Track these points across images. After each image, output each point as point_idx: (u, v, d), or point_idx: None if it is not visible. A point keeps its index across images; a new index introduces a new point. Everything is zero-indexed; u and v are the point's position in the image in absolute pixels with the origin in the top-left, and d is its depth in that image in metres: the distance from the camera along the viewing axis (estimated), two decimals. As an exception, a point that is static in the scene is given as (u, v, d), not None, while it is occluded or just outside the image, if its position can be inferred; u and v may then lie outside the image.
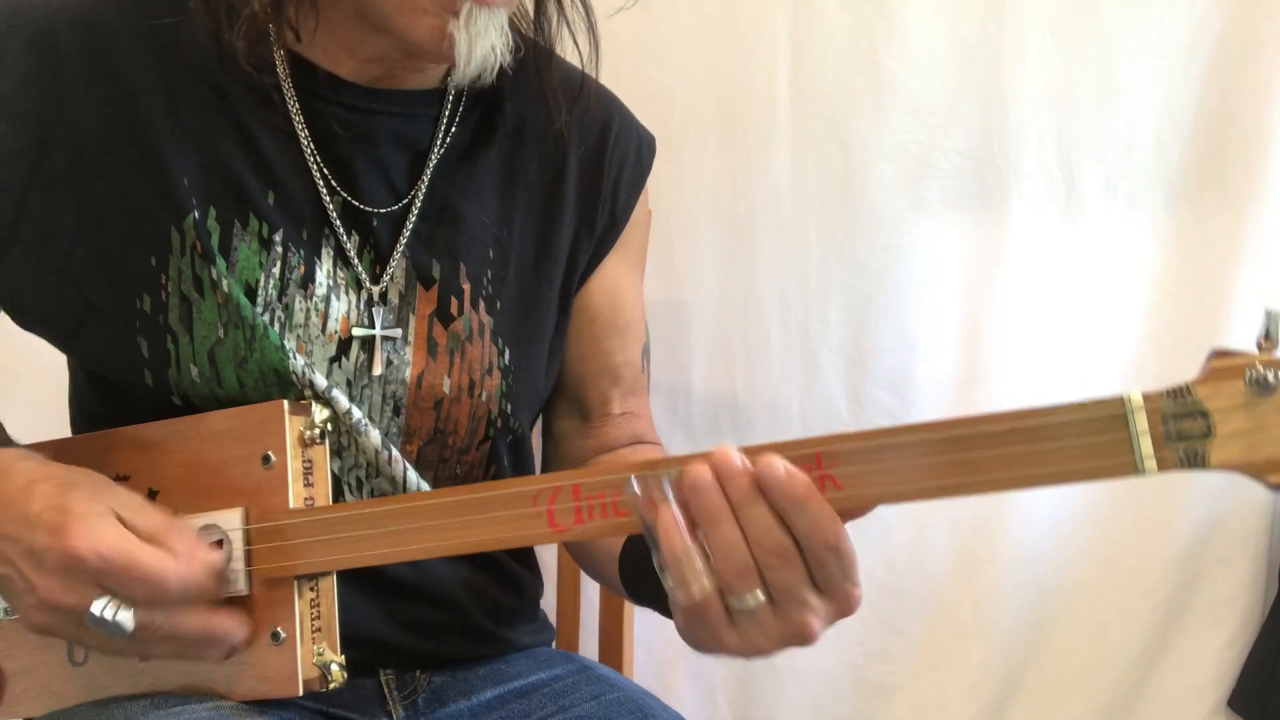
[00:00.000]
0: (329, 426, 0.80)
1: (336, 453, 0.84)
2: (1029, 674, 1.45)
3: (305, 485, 0.77)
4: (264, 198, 0.83)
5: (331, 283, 0.85)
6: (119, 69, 0.81)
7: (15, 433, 0.86)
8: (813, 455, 0.64)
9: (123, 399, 0.85)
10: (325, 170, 0.85)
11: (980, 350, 1.42)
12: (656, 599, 0.79)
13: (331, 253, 0.86)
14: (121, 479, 0.80)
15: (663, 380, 1.46)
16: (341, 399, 0.83)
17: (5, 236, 0.81)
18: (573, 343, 0.99)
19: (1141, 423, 0.59)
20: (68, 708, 0.81)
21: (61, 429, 0.92)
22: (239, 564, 0.76)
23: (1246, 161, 1.34)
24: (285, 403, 0.78)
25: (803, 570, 0.61)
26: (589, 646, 1.33)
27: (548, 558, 1.31)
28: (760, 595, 0.62)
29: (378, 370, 0.86)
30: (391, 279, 0.87)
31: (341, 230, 0.86)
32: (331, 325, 0.84)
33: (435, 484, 0.90)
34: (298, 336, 0.83)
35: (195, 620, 0.74)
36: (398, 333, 0.86)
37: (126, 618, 0.69)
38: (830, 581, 0.62)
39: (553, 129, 0.94)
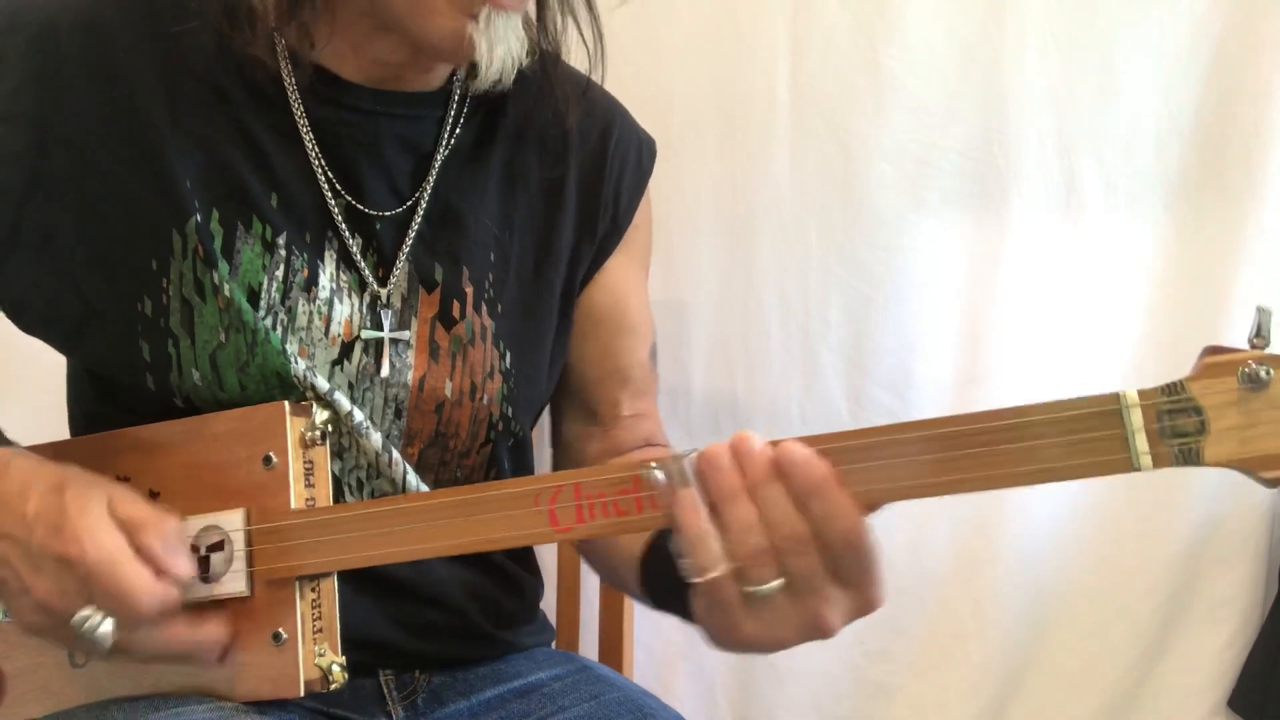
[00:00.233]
0: (330, 428, 0.80)
1: (337, 454, 0.84)
2: (1029, 674, 1.45)
3: (306, 486, 0.78)
4: (267, 200, 0.83)
5: (335, 286, 0.85)
6: (120, 70, 0.81)
7: (15, 434, 0.85)
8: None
9: (124, 400, 0.85)
10: (329, 173, 0.85)
11: (980, 350, 1.42)
12: (678, 602, 0.79)
13: (335, 255, 0.86)
14: (122, 480, 0.80)
15: (663, 380, 1.44)
16: (343, 401, 0.83)
17: (6, 239, 0.81)
18: (579, 345, 0.99)
19: (1136, 419, 0.60)
20: (67, 709, 0.81)
21: (61, 430, 0.92)
22: (240, 565, 0.76)
23: (1246, 161, 1.34)
24: (287, 404, 0.78)
25: (820, 559, 0.61)
26: (589, 646, 1.33)
27: (548, 558, 1.31)
28: (778, 582, 0.61)
29: (385, 372, 0.86)
30: (394, 282, 0.87)
31: (346, 233, 0.86)
32: (334, 328, 0.84)
33: (435, 487, 0.90)
34: (300, 339, 0.83)
35: (175, 634, 0.74)
36: (407, 335, 0.86)
37: (106, 633, 0.69)
38: (849, 575, 0.62)
39: (553, 132, 0.94)
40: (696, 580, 0.62)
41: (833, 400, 1.44)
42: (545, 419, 1.07)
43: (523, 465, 0.98)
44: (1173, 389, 0.60)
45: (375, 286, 0.86)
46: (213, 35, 0.81)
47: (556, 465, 1.04)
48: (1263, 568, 1.40)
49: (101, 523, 0.70)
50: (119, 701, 0.79)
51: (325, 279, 0.85)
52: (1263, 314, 0.59)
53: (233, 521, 0.77)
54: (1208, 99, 1.34)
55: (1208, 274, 1.36)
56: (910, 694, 1.47)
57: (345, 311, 0.85)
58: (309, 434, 0.78)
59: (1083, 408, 0.61)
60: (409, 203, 0.88)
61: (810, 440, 0.64)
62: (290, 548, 0.75)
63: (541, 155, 0.94)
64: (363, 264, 0.86)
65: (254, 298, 0.82)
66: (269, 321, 0.82)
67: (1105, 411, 0.60)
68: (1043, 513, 1.41)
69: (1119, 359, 1.39)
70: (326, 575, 0.77)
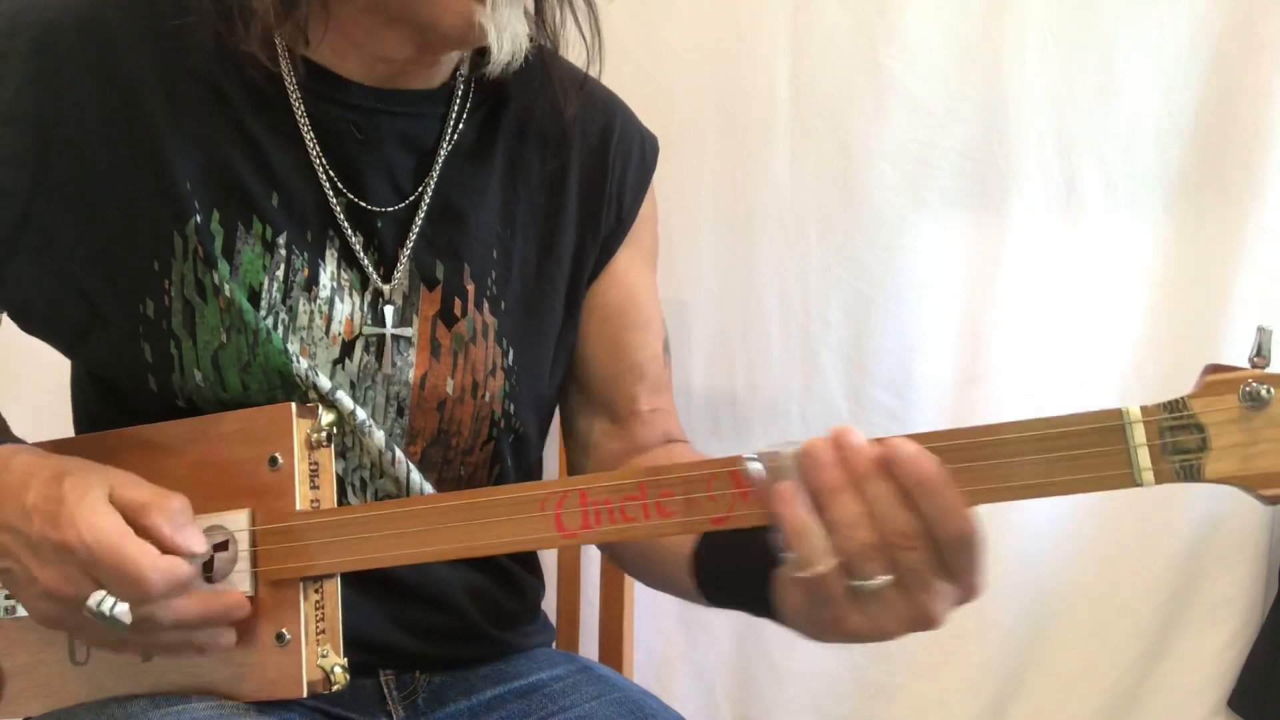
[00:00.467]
0: (335, 429, 0.80)
1: (340, 454, 0.84)
2: (1029, 674, 1.45)
3: (312, 488, 0.78)
4: (268, 200, 0.83)
5: (335, 285, 0.85)
6: (121, 72, 0.81)
7: (17, 433, 0.85)
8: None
9: (127, 402, 0.85)
10: (330, 171, 0.85)
11: (980, 350, 1.42)
12: (738, 597, 0.79)
13: (336, 254, 0.86)
14: None
15: (664, 379, 1.46)
16: (346, 400, 0.83)
17: (9, 241, 0.81)
18: (592, 342, 0.98)
19: (1139, 435, 0.61)
20: (67, 707, 0.82)
21: (62, 430, 0.92)
22: (244, 565, 0.76)
23: (1246, 162, 1.34)
24: (293, 405, 0.78)
25: (930, 554, 0.61)
26: (589, 646, 1.33)
27: (548, 559, 1.31)
28: (886, 577, 0.61)
29: (388, 369, 0.86)
30: (396, 280, 0.87)
31: (347, 231, 0.86)
32: (335, 327, 0.84)
33: (439, 485, 0.90)
34: (301, 339, 0.83)
35: (194, 604, 0.74)
36: (409, 331, 0.86)
37: (123, 611, 0.69)
38: (957, 569, 0.62)
39: (555, 128, 0.94)
40: (802, 575, 0.62)
41: (833, 400, 1.44)
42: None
43: (526, 463, 0.98)
44: (1174, 406, 0.61)
45: (378, 283, 0.86)
46: (212, 35, 0.81)
47: (574, 466, 1.04)
48: (1263, 568, 1.41)
49: (99, 506, 0.70)
50: (119, 699, 0.79)
51: (326, 278, 0.85)
52: (1263, 334, 0.60)
53: (238, 522, 0.77)
54: (1208, 99, 1.34)
55: (1208, 274, 1.36)
56: (910, 694, 1.47)
57: (346, 310, 0.85)
58: (315, 435, 0.78)
59: (1085, 423, 0.61)
60: (410, 200, 0.88)
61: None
62: (295, 549, 0.75)
63: (543, 151, 0.94)
64: (365, 261, 0.86)
65: (255, 298, 0.82)
66: (270, 321, 0.82)
67: (1108, 427, 0.61)
68: (1043, 513, 1.41)
69: (1119, 359, 1.39)
70: (330, 576, 0.77)
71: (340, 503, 0.82)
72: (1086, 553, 1.42)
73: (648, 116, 1.03)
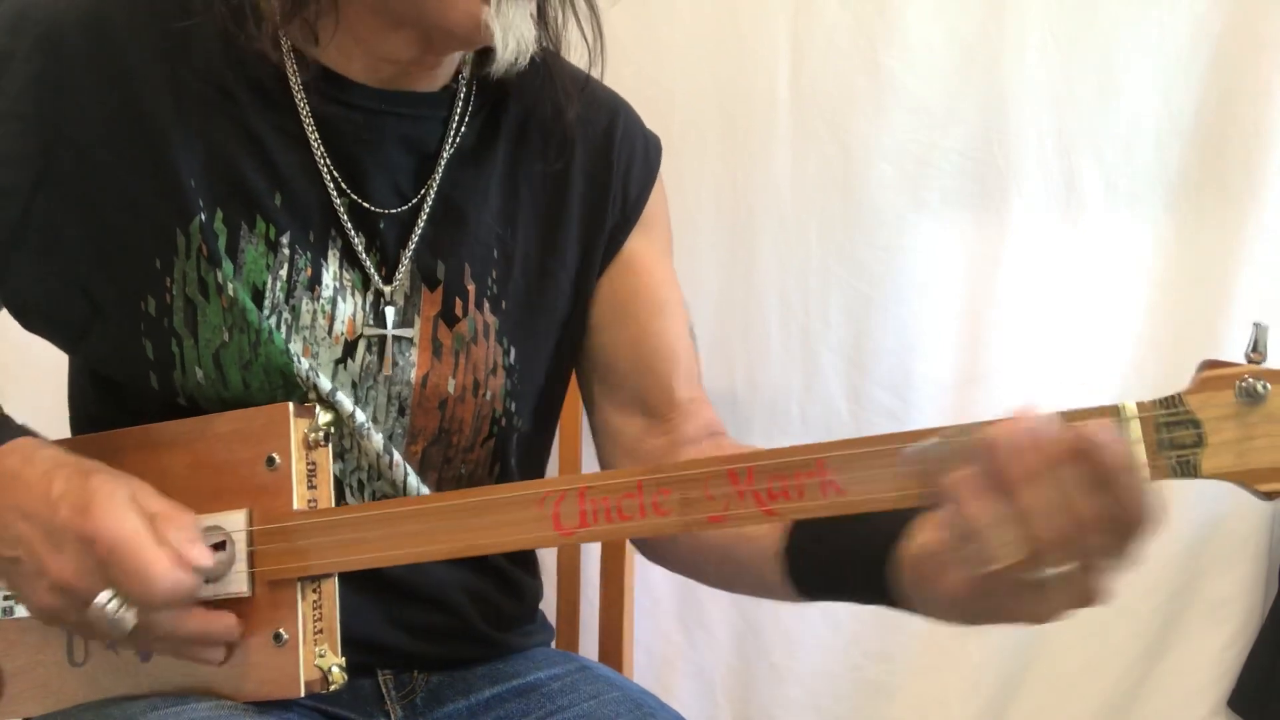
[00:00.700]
0: (333, 430, 0.80)
1: (339, 455, 0.85)
2: (1029, 674, 1.45)
3: (309, 488, 0.78)
4: (271, 199, 0.83)
5: (338, 285, 0.85)
6: (125, 70, 0.81)
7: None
8: (815, 461, 0.65)
9: (127, 401, 0.85)
10: (334, 171, 0.85)
11: (980, 350, 1.42)
12: (840, 589, 0.78)
13: (338, 254, 0.86)
14: None
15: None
16: (346, 402, 0.83)
17: (11, 238, 0.81)
18: (612, 334, 0.96)
19: (1136, 431, 0.61)
20: (66, 708, 0.82)
21: (61, 430, 0.92)
22: (242, 565, 0.76)
23: (1246, 162, 1.34)
24: (290, 405, 0.78)
25: (1116, 536, 0.58)
26: (589, 646, 1.34)
27: (548, 559, 1.31)
28: (1074, 564, 0.59)
29: (388, 370, 0.86)
30: (398, 281, 0.87)
31: (350, 231, 0.86)
32: (338, 327, 0.84)
33: (440, 484, 0.90)
34: (304, 338, 0.83)
35: (194, 621, 0.74)
36: (411, 332, 0.87)
37: (129, 615, 0.70)
38: (1132, 547, 0.59)
39: (556, 127, 0.94)
40: (988, 570, 0.59)
41: (833, 400, 1.44)
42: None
43: (528, 460, 0.97)
44: (1170, 402, 0.61)
45: (380, 283, 0.86)
46: (218, 34, 0.81)
47: (609, 467, 1.00)
48: (1263, 568, 1.40)
49: (127, 506, 0.71)
50: (118, 700, 0.79)
51: (328, 278, 0.85)
52: (1259, 329, 0.60)
53: (235, 522, 0.77)
54: (1208, 99, 1.34)
55: (1208, 274, 1.36)
56: (910, 694, 1.47)
57: (348, 310, 0.85)
58: (312, 435, 0.78)
59: (1082, 419, 0.61)
60: (412, 202, 0.88)
61: (816, 448, 0.64)
62: (292, 549, 0.75)
63: (544, 151, 0.94)
64: (367, 262, 0.86)
65: (258, 297, 0.82)
66: (273, 321, 0.82)
67: (1104, 423, 0.61)
68: (1043, 513, 1.41)
69: (1119, 359, 1.39)
70: (328, 576, 0.77)
71: (338, 504, 0.82)
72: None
73: (648, 117, 1.03)
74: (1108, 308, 1.39)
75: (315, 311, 0.84)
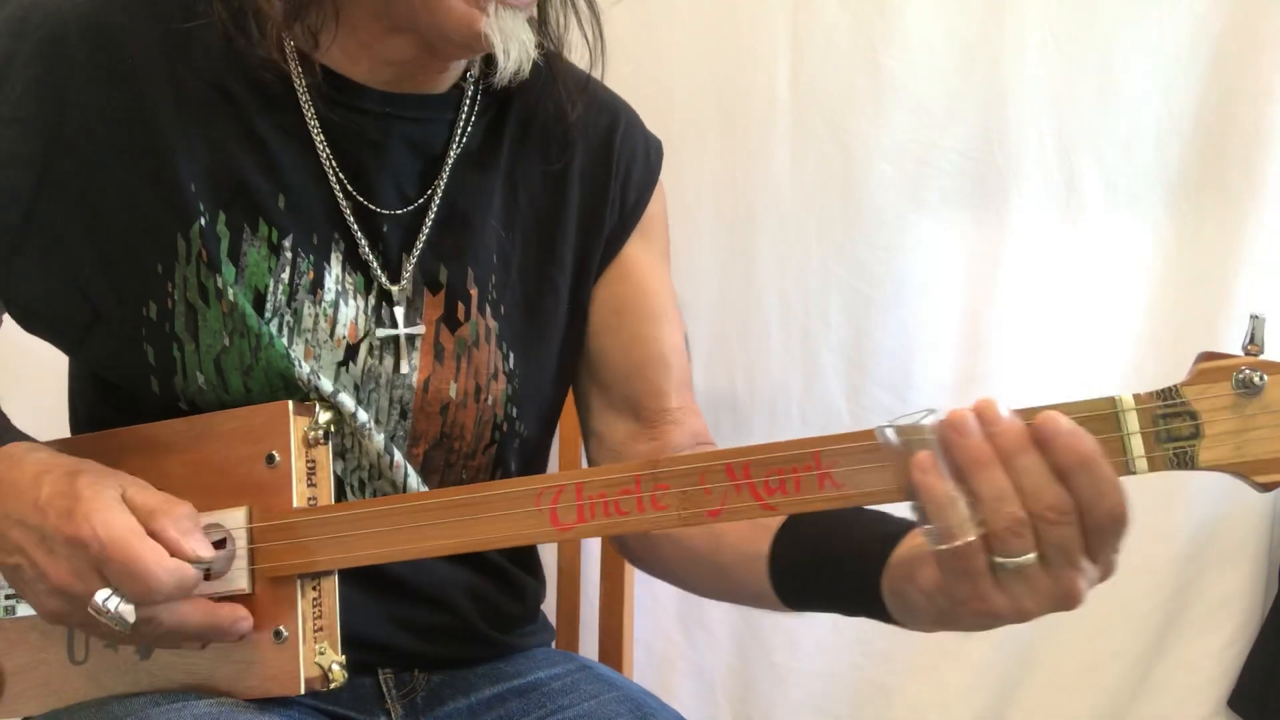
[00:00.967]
0: (333, 428, 0.80)
1: (340, 455, 0.84)
2: (1029, 674, 1.45)
3: (309, 485, 0.78)
4: (274, 202, 0.83)
5: (340, 288, 0.85)
6: (127, 73, 0.81)
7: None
8: (811, 455, 0.65)
9: (128, 404, 0.85)
10: (340, 173, 0.85)
11: (980, 350, 1.42)
12: (821, 597, 0.78)
13: (341, 257, 0.86)
14: None
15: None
16: (348, 402, 0.83)
17: (13, 241, 0.81)
18: (607, 338, 0.97)
19: (1133, 423, 0.61)
20: (67, 706, 0.82)
21: (61, 430, 0.92)
22: (242, 562, 0.76)
23: (1246, 161, 1.34)
24: (290, 403, 0.78)
25: (1080, 532, 0.59)
26: (589, 646, 1.34)
27: (548, 559, 1.31)
28: (1032, 555, 0.59)
29: (405, 369, 0.86)
30: (402, 284, 0.87)
31: (355, 232, 0.86)
32: (340, 330, 0.84)
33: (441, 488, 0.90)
34: (306, 341, 0.83)
35: (198, 612, 0.74)
36: (421, 329, 0.86)
37: (129, 610, 0.70)
38: (1103, 547, 0.60)
39: (556, 130, 0.94)
40: (943, 548, 0.60)
41: (833, 400, 1.44)
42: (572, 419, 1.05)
43: (530, 466, 0.97)
44: (1168, 394, 0.61)
45: (386, 284, 0.86)
46: (220, 36, 0.81)
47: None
48: (1263, 568, 1.40)
49: (113, 505, 0.71)
50: (119, 697, 0.79)
51: (331, 281, 0.85)
52: (1256, 321, 0.60)
53: (235, 519, 0.77)
54: (1208, 99, 1.35)
55: (1208, 274, 1.37)
56: (910, 694, 1.47)
57: (350, 314, 0.85)
58: (312, 433, 0.78)
59: (1079, 411, 0.61)
60: (417, 205, 0.88)
61: (811, 441, 0.64)
62: (292, 546, 0.75)
63: (545, 154, 0.94)
64: (371, 263, 0.86)
65: (260, 301, 0.82)
66: (275, 325, 0.82)
67: (1102, 415, 0.61)
68: (1043, 513, 1.41)
69: (1119, 359, 1.39)
70: (328, 574, 0.77)
71: (339, 503, 0.82)
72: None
73: (648, 116, 1.03)
74: (1108, 308, 1.39)
75: (317, 315, 0.84)
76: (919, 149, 1.39)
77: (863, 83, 1.38)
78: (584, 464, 1.30)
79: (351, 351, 0.85)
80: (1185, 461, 0.60)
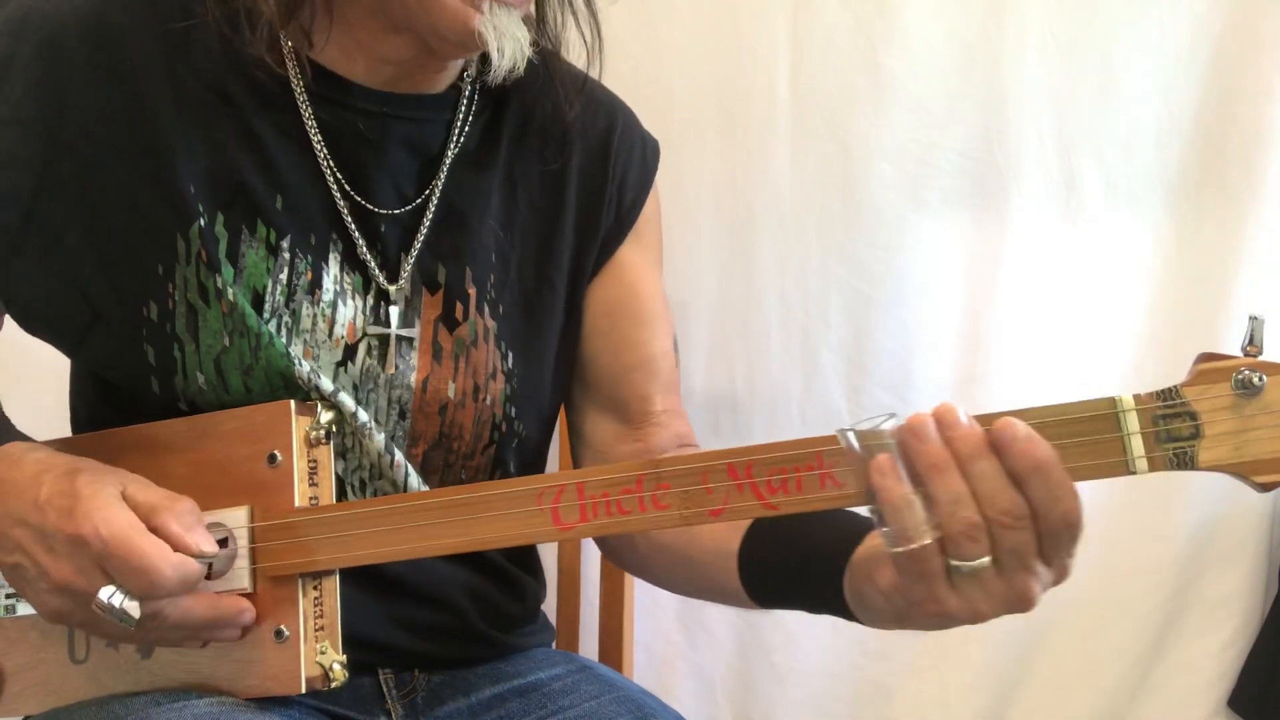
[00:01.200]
0: (334, 428, 0.80)
1: (341, 454, 0.85)
2: (1029, 674, 1.45)
3: (310, 485, 0.78)
4: (272, 202, 0.83)
5: (338, 288, 0.85)
6: (127, 74, 0.81)
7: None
8: (813, 454, 0.66)
9: (128, 404, 0.85)
10: (338, 173, 0.85)
11: (980, 350, 1.42)
12: (788, 595, 0.79)
13: (339, 257, 0.86)
14: None
15: (662, 380, 1.46)
16: (348, 401, 0.83)
17: (13, 242, 0.81)
18: (597, 340, 0.97)
19: (1133, 423, 0.61)
20: (67, 705, 0.82)
21: (61, 430, 0.92)
22: (244, 561, 0.77)
23: (1246, 161, 1.34)
24: (292, 403, 0.78)
25: (1034, 537, 0.60)
26: (589, 646, 1.34)
27: (548, 559, 1.31)
28: (987, 559, 0.60)
29: (390, 370, 0.86)
30: (400, 284, 0.87)
31: (353, 232, 0.86)
32: (338, 330, 0.84)
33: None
34: (305, 341, 0.83)
35: (202, 606, 0.74)
36: (412, 332, 0.86)
37: (133, 605, 0.70)
38: (1057, 552, 0.61)
39: (554, 129, 0.94)
40: (899, 550, 0.61)
41: (833, 400, 1.44)
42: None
43: (529, 467, 0.97)
44: (1168, 394, 0.61)
45: (383, 283, 0.86)
46: (218, 37, 0.81)
47: (580, 468, 1.02)
48: (1263, 568, 1.40)
49: (113, 502, 0.71)
50: (119, 696, 0.79)
51: (329, 281, 0.85)
52: (1255, 322, 0.61)
53: (237, 519, 0.77)
54: (1208, 99, 1.35)
55: (1208, 274, 1.37)
56: (910, 694, 1.47)
57: (349, 314, 0.85)
58: (313, 433, 0.79)
59: (1080, 411, 0.62)
60: (415, 205, 0.88)
61: (813, 441, 0.64)
62: (293, 545, 0.76)
63: (542, 153, 0.94)
64: (370, 262, 0.86)
65: (258, 301, 0.82)
66: (273, 325, 0.82)
67: (1102, 415, 0.62)
68: (1042, 513, 1.41)
69: (1119, 359, 1.39)
70: (329, 573, 0.77)
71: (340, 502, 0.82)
72: (1085, 553, 1.41)
73: (647, 116, 1.03)
74: (1107, 307, 1.39)
75: (315, 315, 0.84)
76: (919, 149, 1.39)
77: (863, 83, 1.38)
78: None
79: (350, 351, 0.85)
80: (1185, 462, 0.61)
